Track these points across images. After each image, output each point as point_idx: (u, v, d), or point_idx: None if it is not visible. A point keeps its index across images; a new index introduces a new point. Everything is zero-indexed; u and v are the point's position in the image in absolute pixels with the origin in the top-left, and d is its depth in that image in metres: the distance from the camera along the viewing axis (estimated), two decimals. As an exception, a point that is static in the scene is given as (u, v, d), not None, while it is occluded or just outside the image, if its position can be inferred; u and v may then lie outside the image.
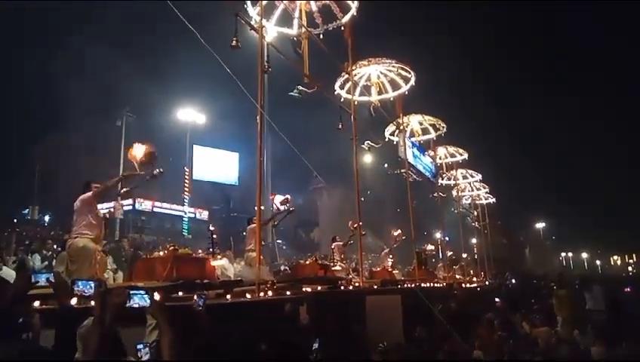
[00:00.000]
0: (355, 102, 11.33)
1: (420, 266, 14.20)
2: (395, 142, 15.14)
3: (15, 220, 27.43)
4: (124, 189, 5.95)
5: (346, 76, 11.80)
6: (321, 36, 10.11)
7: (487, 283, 22.85)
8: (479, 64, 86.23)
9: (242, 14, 7.38)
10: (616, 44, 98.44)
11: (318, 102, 11.82)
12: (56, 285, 3.55)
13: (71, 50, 30.60)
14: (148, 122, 31.58)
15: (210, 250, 8.04)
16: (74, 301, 3.15)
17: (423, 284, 12.04)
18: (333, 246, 12.11)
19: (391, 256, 15.08)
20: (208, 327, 3.41)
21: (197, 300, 3.40)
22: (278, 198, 9.25)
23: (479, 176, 23.37)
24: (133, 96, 30.79)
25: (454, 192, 21.98)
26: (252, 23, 7.79)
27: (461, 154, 20.01)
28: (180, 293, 4.64)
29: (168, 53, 42.20)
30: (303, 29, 9.75)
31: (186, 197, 38.71)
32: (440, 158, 19.52)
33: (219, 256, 8.47)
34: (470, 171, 22.75)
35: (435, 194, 17.84)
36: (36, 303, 3.46)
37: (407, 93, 13.57)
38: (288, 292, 6.28)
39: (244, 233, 10.23)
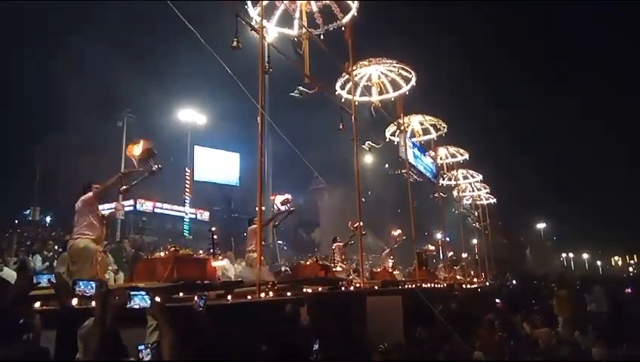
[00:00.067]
0: (356, 103, 11.33)
1: (420, 267, 14.20)
2: (395, 143, 15.14)
3: (16, 221, 27.42)
4: (124, 187, 5.95)
5: (347, 76, 11.80)
6: (322, 36, 10.12)
7: (487, 283, 22.82)
8: (479, 64, 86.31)
9: (243, 15, 7.39)
10: (616, 44, 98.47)
11: (319, 102, 11.84)
12: (58, 286, 3.55)
13: (71, 50, 30.63)
14: (148, 123, 31.61)
15: (211, 250, 8.06)
16: (75, 301, 3.15)
17: (423, 285, 12.04)
18: (333, 247, 12.11)
19: (391, 257, 15.08)
20: (209, 328, 3.41)
21: (197, 301, 3.41)
22: (279, 198, 9.24)
23: (480, 177, 23.37)
24: (134, 97, 30.82)
25: (455, 193, 21.97)
26: (252, 23, 7.80)
27: (462, 155, 20.01)
28: (181, 294, 4.65)
29: (169, 53, 42.24)
30: (304, 30, 9.76)
31: (186, 197, 38.71)
32: (441, 159, 19.51)
33: (220, 257, 8.48)
34: (471, 171, 22.75)
35: (436, 195, 17.84)
36: (37, 304, 3.47)
37: (407, 93, 13.57)
38: (289, 293, 6.28)
39: (245, 234, 10.25)
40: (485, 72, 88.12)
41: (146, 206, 36.61)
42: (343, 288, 8.50)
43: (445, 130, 16.96)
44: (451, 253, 20.72)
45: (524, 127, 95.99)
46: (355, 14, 10.22)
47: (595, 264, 74.84)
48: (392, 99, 13.77)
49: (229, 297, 5.16)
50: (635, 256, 74.63)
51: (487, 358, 5.63)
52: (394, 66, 13.22)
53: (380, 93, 13.47)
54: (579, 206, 74.42)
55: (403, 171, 14.54)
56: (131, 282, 6.17)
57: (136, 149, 5.51)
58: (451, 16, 78.60)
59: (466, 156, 19.98)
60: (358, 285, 9.34)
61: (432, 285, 13.25)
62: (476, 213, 25.10)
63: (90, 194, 5.50)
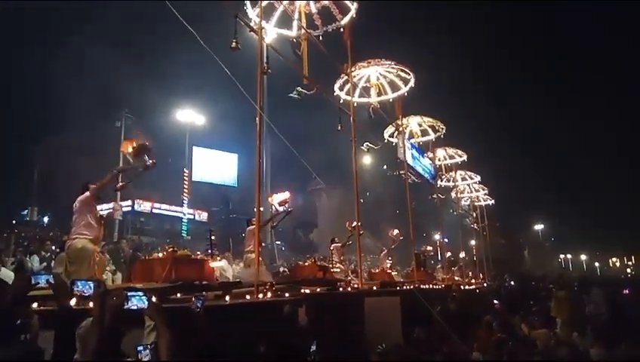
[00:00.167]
0: (355, 104, 11.34)
1: (418, 268, 14.21)
2: (394, 144, 15.14)
3: (14, 221, 27.42)
4: (120, 184, 5.94)
5: (346, 77, 11.81)
6: (321, 38, 10.12)
7: (485, 284, 22.84)
8: (479, 64, 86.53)
9: (242, 16, 7.39)
10: (616, 44, 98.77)
11: (318, 103, 11.84)
12: (56, 286, 3.55)
13: (71, 50, 30.63)
14: (147, 123, 31.58)
15: (209, 251, 8.05)
16: (73, 302, 3.15)
17: (421, 286, 12.04)
18: (332, 248, 12.11)
19: (389, 258, 15.08)
20: (206, 329, 3.41)
21: (195, 302, 3.40)
22: (277, 198, 9.22)
23: (478, 178, 23.38)
24: (133, 97, 30.82)
25: (453, 194, 21.98)
26: (251, 24, 7.80)
27: (460, 156, 20.02)
28: (179, 295, 4.64)
29: (168, 54, 42.22)
30: (303, 31, 9.76)
31: (185, 198, 38.72)
32: (439, 160, 19.52)
33: (218, 258, 8.48)
34: (469, 173, 22.77)
35: (434, 196, 17.84)
36: (35, 304, 3.46)
37: (406, 94, 13.58)
38: (287, 294, 6.28)
39: (243, 234, 10.25)
40: (485, 72, 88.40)
41: (144, 206, 36.59)
42: (341, 289, 8.50)
43: (444, 131, 16.97)
44: (449, 254, 20.74)
45: (524, 127, 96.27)
46: (354, 15, 10.23)
47: (593, 265, 74.99)
48: (391, 100, 13.77)
49: (227, 298, 5.15)
50: (633, 257, 74.76)
51: (485, 359, 5.64)
52: (393, 67, 13.23)
53: (379, 94, 13.48)
54: (578, 206, 74.70)
55: (401, 172, 14.53)
56: (129, 282, 6.17)
57: (130, 145, 5.51)
58: (451, 16, 78.83)
59: (465, 157, 19.99)
60: (356, 286, 9.34)
61: (430, 286, 13.25)
62: (474, 214, 25.12)
63: (87, 193, 5.50)
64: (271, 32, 9.75)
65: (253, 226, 7.75)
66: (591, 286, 11.47)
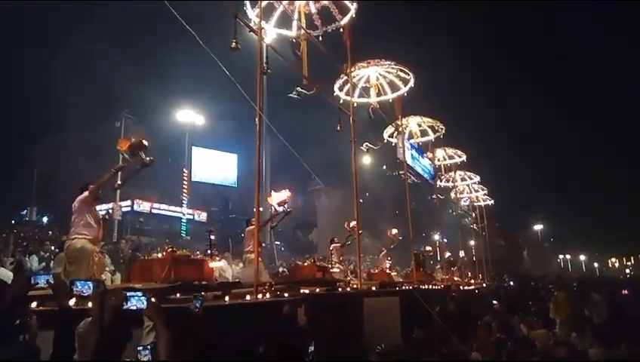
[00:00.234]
0: (354, 104, 11.33)
1: (418, 268, 14.21)
2: (393, 144, 15.15)
3: (13, 221, 27.38)
4: (119, 182, 5.93)
5: (345, 78, 11.81)
6: (320, 38, 10.12)
7: (485, 285, 22.85)
8: (479, 64, 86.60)
9: (241, 16, 7.39)
10: (616, 44, 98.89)
11: (317, 103, 11.83)
12: (56, 286, 3.54)
13: (71, 50, 30.60)
14: (147, 123, 31.60)
15: (209, 251, 8.04)
16: (72, 302, 3.15)
17: (421, 286, 12.04)
18: (331, 248, 12.11)
19: (389, 258, 15.09)
20: (205, 329, 3.41)
21: (194, 302, 3.40)
22: (275, 198, 9.20)
23: (478, 178, 23.40)
24: (133, 97, 30.86)
25: (453, 194, 21.99)
26: (251, 24, 7.80)
27: (460, 156, 20.04)
28: (178, 295, 4.64)
29: (168, 54, 42.16)
30: (302, 31, 9.76)
31: (184, 198, 38.72)
32: (438, 160, 19.53)
33: (217, 258, 8.47)
34: (469, 173, 22.79)
35: (434, 196, 17.85)
36: (33, 304, 3.46)
37: (406, 94, 13.59)
38: (286, 294, 6.28)
39: (243, 234, 10.24)
40: (485, 72, 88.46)
41: (143, 206, 36.59)
42: (340, 289, 8.50)
43: (443, 131, 16.99)
44: (449, 254, 20.74)
45: (523, 127, 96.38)
46: (354, 15, 10.23)
47: (592, 265, 75.04)
48: (390, 100, 13.78)
49: (227, 298, 5.15)
50: (632, 257, 74.84)
51: (484, 359, 5.64)
52: (392, 68, 13.23)
53: (378, 94, 13.48)
54: (578, 207, 74.80)
55: (401, 172, 14.53)
56: (128, 283, 6.16)
57: (126, 144, 5.51)
58: (451, 16, 78.89)
59: (464, 158, 20.01)
60: (355, 286, 9.33)
61: (430, 286, 13.25)
62: (474, 215, 25.14)
63: (86, 193, 5.50)
64: (270, 33, 9.75)
65: (253, 226, 7.75)
66: (590, 289, 11.39)
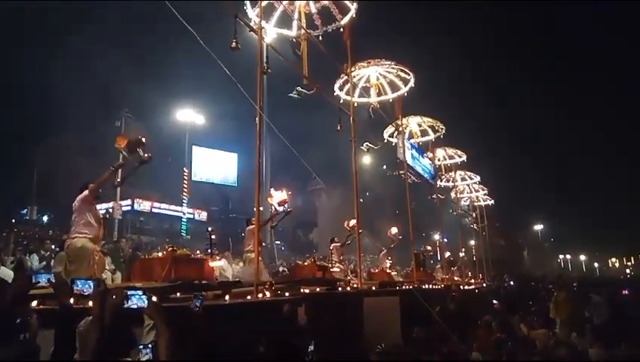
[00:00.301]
0: (355, 104, 11.33)
1: (418, 268, 14.21)
2: (393, 144, 15.15)
3: (13, 220, 27.41)
4: (118, 180, 5.94)
5: (345, 78, 11.81)
6: (321, 38, 10.12)
7: (485, 284, 22.85)
8: (479, 64, 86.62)
9: (242, 16, 7.39)
10: (616, 44, 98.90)
11: (318, 103, 11.84)
12: (57, 285, 3.55)
13: (71, 50, 30.60)
14: (147, 123, 31.59)
15: (209, 250, 8.05)
16: (73, 301, 3.15)
17: (421, 286, 12.04)
18: (331, 248, 12.12)
19: (389, 258, 15.09)
20: (206, 328, 3.41)
21: (194, 301, 3.41)
22: (276, 198, 9.21)
23: (478, 178, 23.40)
24: (133, 97, 30.85)
25: (453, 194, 21.99)
26: (251, 24, 7.80)
27: (460, 156, 20.04)
28: (178, 294, 4.64)
29: (168, 53, 42.19)
30: (302, 31, 9.76)
31: (184, 197, 38.73)
32: (439, 160, 19.54)
33: (217, 257, 8.48)
34: (469, 173, 22.78)
35: (434, 196, 17.85)
36: (34, 303, 3.47)
37: (406, 94, 13.59)
38: (286, 294, 6.28)
39: (243, 234, 10.25)
40: (485, 72, 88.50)
41: (143, 206, 36.62)
42: (340, 289, 8.50)
43: (443, 131, 16.98)
44: (449, 254, 20.74)
45: (524, 127, 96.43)
46: (354, 15, 10.23)
47: (592, 265, 75.05)
48: (391, 100, 13.78)
49: (227, 297, 5.15)
50: (632, 257, 74.84)
51: (484, 359, 5.64)
52: (392, 68, 13.23)
53: (379, 94, 13.48)
54: (578, 206, 74.88)
55: (401, 172, 14.53)
56: (129, 282, 6.17)
57: (123, 140, 5.52)
58: (451, 16, 78.89)
59: (464, 158, 20.01)
60: (355, 286, 9.34)
61: (430, 286, 13.25)
62: (474, 215, 25.14)
63: (86, 192, 5.51)
64: (271, 32, 9.75)
65: (253, 226, 7.75)
66: (590, 290, 11.37)
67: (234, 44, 6.79)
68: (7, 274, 7.81)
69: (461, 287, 16.65)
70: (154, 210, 37.53)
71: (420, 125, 16.91)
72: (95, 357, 2.20)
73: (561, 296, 9.29)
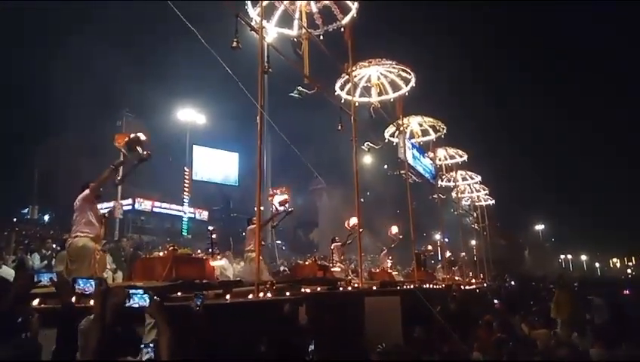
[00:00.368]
0: (356, 103, 11.33)
1: (419, 267, 14.20)
2: (394, 144, 15.15)
3: (15, 219, 27.43)
4: (119, 178, 5.95)
5: (346, 77, 11.81)
6: (321, 37, 10.12)
7: (486, 284, 22.85)
8: (479, 64, 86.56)
9: (243, 15, 7.39)
10: (616, 44, 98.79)
11: (318, 103, 11.84)
12: (59, 284, 3.56)
13: (71, 50, 30.62)
14: (148, 122, 31.58)
15: (210, 250, 8.06)
16: (75, 299, 3.16)
17: (422, 285, 12.04)
18: (332, 247, 12.11)
19: (390, 257, 15.09)
20: (206, 327, 3.41)
21: (195, 300, 3.41)
22: (277, 199, 9.24)
23: (479, 178, 23.39)
24: (134, 97, 30.88)
25: (454, 194, 21.98)
26: (252, 23, 7.80)
27: (461, 156, 20.03)
28: (179, 293, 4.65)
29: (168, 53, 42.23)
30: (303, 30, 9.76)
31: (185, 197, 38.74)
32: (440, 160, 19.53)
33: (218, 257, 8.49)
34: (470, 173, 22.77)
35: (435, 196, 17.85)
36: (35, 302, 3.47)
37: (407, 94, 13.58)
38: (287, 293, 6.28)
39: (244, 233, 10.25)
40: (485, 72, 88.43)
41: (144, 205, 36.64)
42: (341, 288, 8.50)
43: (444, 131, 16.97)
44: (449, 254, 20.73)
45: (524, 127, 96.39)
46: (355, 15, 10.23)
47: (593, 265, 74.96)
48: (392, 100, 13.77)
49: (228, 297, 5.15)
50: (633, 257, 74.75)
51: (485, 359, 5.64)
52: (393, 67, 13.22)
53: (380, 94, 13.48)
54: (578, 206, 74.79)
55: (402, 172, 14.53)
56: (130, 281, 6.17)
57: (123, 138, 5.53)
58: (451, 16, 78.84)
59: (465, 157, 19.99)
60: (356, 285, 9.34)
61: (431, 286, 13.25)
62: (475, 214, 25.12)
63: (87, 191, 5.51)
64: (272, 32, 9.74)
65: (254, 225, 7.75)
66: (590, 291, 11.33)
67: (235, 43, 6.80)
68: (9, 273, 7.80)
69: (462, 287, 16.64)
70: (155, 210, 37.55)
71: (420, 125, 16.91)
72: (96, 356, 2.20)
73: (562, 296, 9.28)
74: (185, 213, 38.57)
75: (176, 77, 41.71)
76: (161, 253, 7.46)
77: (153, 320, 3.01)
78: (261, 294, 5.61)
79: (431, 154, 17.97)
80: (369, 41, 16.70)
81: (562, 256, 72.46)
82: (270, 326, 5.03)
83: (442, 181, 20.49)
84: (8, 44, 30.69)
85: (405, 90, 13.51)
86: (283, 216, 9.52)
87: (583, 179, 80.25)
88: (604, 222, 69.47)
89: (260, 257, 6.56)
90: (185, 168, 39.08)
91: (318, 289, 7.58)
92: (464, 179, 22.83)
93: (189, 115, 37.37)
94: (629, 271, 70.39)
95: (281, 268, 14.81)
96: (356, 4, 10.18)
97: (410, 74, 13.28)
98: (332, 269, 10.22)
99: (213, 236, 8.23)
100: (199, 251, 11.07)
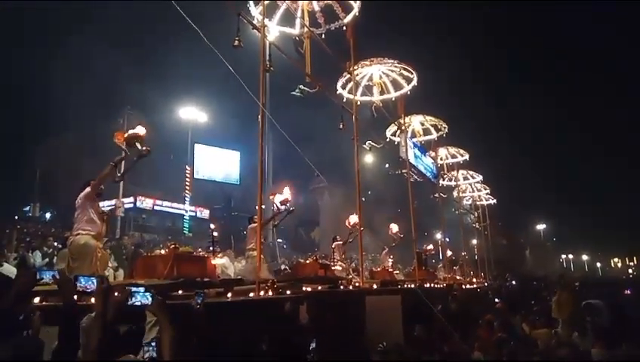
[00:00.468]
0: (357, 102, 11.32)
1: (420, 266, 14.20)
2: (396, 143, 15.14)
3: (16, 217, 27.46)
4: (119, 175, 5.97)
5: (348, 76, 11.79)
6: (323, 36, 10.11)
7: (487, 284, 22.84)
8: (479, 64, 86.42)
9: (245, 14, 7.39)
10: (616, 44, 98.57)
11: (320, 101, 11.83)
12: (61, 282, 3.56)
13: (71, 50, 30.59)
14: (149, 121, 31.51)
15: (211, 248, 8.06)
16: (77, 297, 3.16)
17: (423, 285, 12.03)
18: (333, 246, 12.11)
19: (391, 256, 15.09)
20: (207, 326, 3.42)
21: (195, 298, 3.42)
22: (278, 198, 9.21)
23: (480, 178, 23.37)
24: (135, 95, 30.81)
25: (455, 193, 21.96)
26: (254, 22, 7.80)
27: (462, 155, 20.01)
28: (180, 292, 4.65)
29: (170, 52, 42.16)
30: (305, 29, 9.75)
31: (187, 195, 38.74)
32: (441, 159, 19.51)
33: (219, 255, 8.50)
34: (471, 172, 22.75)
35: (436, 195, 17.84)
36: (36, 300, 3.48)
37: (409, 93, 13.56)
38: (288, 292, 6.28)
39: (245, 232, 10.27)
40: (485, 72, 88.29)
41: (145, 203, 36.67)
42: (342, 287, 8.50)
43: (446, 130, 16.96)
44: (450, 253, 20.72)
45: (524, 127, 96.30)
46: (357, 14, 10.21)
47: (594, 265, 74.90)
48: (393, 99, 13.76)
49: (229, 295, 5.16)
50: (634, 257, 74.68)
51: (486, 358, 5.64)
52: (395, 66, 13.20)
53: (381, 92, 13.47)
54: (579, 206, 74.65)
55: (403, 171, 14.53)
56: (131, 279, 6.19)
57: (122, 135, 5.54)
58: (451, 16, 78.71)
59: (467, 157, 19.98)
60: (357, 284, 9.34)
61: (432, 285, 13.25)
62: (476, 214, 25.10)
63: (88, 189, 5.53)
64: (273, 30, 9.73)
65: (255, 224, 7.75)
66: (589, 294, 11.27)
67: (237, 42, 6.80)
68: (10, 270, 7.83)
69: (463, 286, 16.63)
70: (156, 208, 37.57)
71: (422, 124, 16.90)
72: (98, 353, 2.21)
73: (563, 296, 9.27)
74: (186, 212, 38.58)
75: (178, 76, 41.69)
76: (162, 251, 7.45)
77: (154, 319, 3.02)
78: (262, 293, 5.61)
79: (432, 154, 17.96)
80: (370, 41, 16.69)
81: (563, 256, 72.40)
82: (271, 325, 5.03)
83: (443, 180, 20.48)
84: (8, 44, 30.71)
85: (407, 88, 13.50)
86: (285, 215, 9.51)
87: (583, 179, 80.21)
88: (604, 222, 69.50)
89: (261, 256, 6.57)
90: (186, 166, 39.06)
91: (319, 288, 7.58)
92: (465, 178, 22.82)
93: (191, 113, 37.37)
94: (630, 271, 70.34)
95: (282, 267, 14.83)
96: (358, 3, 10.17)
97: (412, 73, 13.26)
98: (333, 268, 10.22)
99: (215, 234, 8.23)
100: (200, 249, 11.08)
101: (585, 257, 73.85)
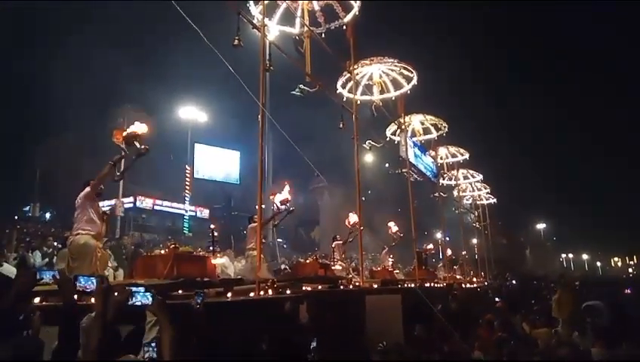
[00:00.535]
0: (357, 102, 11.31)
1: (420, 266, 14.20)
2: (396, 142, 15.14)
3: (16, 217, 27.47)
4: (118, 173, 5.96)
5: (348, 75, 11.79)
6: (323, 35, 10.11)
7: (487, 283, 22.83)
8: (479, 64, 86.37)
9: (244, 13, 7.38)
10: (616, 44, 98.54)
11: (320, 101, 11.83)
12: (62, 282, 3.56)
13: (71, 50, 30.56)
14: (149, 120, 31.50)
15: (211, 248, 8.06)
16: (77, 297, 3.16)
17: (423, 284, 12.03)
18: (333, 246, 12.11)
19: (391, 256, 15.08)
20: (207, 325, 3.42)
21: (195, 298, 3.41)
22: (278, 198, 9.21)
23: (480, 177, 23.37)
24: (135, 94, 30.78)
25: (455, 192, 21.96)
26: (254, 21, 7.80)
27: (462, 155, 20.01)
28: (180, 291, 4.65)
29: (170, 52, 42.13)
30: (305, 28, 9.75)
31: (186, 195, 38.75)
32: (441, 158, 19.51)
33: (219, 255, 8.49)
34: (471, 171, 22.75)
35: (436, 194, 17.83)
36: (37, 300, 3.48)
37: (409, 92, 13.56)
38: (288, 291, 6.28)
39: (245, 232, 10.27)
40: (485, 72, 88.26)
41: (145, 203, 36.67)
42: (342, 286, 8.50)
43: (446, 129, 16.95)
44: (450, 253, 20.71)
45: (524, 127, 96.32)
46: (357, 13, 10.21)
47: (594, 265, 74.94)
48: (393, 98, 13.75)
49: (229, 295, 5.16)
50: (634, 256, 74.70)
51: (486, 358, 5.64)
52: (395, 65, 13.20)
53: (381, 92, 13.46)
54: (579, 206, 74.66)
55: (403, 170, 14.53)
56: (131, 279, 6.18)
57: (120, 134, 5.53)
58: (451, 16, 78.67)
59: (467, 156, 19.98)
60: (357, 284, 9.34)
61: (432, 284, 13.25)
62: (476, 213, 25.10)
63: (87, 189, 5.53)
64: (273, 30, 9.73)
65: (255, 224, 7.75)
66: (588, 295, 11.27)
67: (236, 41, 6.79)
68: (10, 270, 7.82)
69: (463, 286, 16.63)
70: (156, 208, 37.57)
71: (422, 123, 16.90)
72: (98, 353, 2.21)
73: (563, 295, 9.27)
74: (186, 211, 38.59)
75: (178, 76, 41.64)
76: (162, 251, 7.44)
77: (154, 319, 3.02)
78: (262, 292, 5.61)
79: (432, 153, 17.95)
80: (370, 40, 16.68)
81: (563, 255, 72.44)
82: (271, 325, 5.03)
83: (444, 179, 20.47)
84: (8, 44, 30.70)
85: (407, 88, 13.49)
86: (285, 215, 9.50)
87: (583, 179, 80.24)
88: (604, 222, 69.55)
89: (261, 255, 6.56)
90: (186, 166, 39.08)
91: (319, 287, 7.58)
92: (465, 177, 22.82)
93: (191, 113, 37.37)
94: (630, 270, 70.36)
95: (282, 267, 14.82)
96: (358, 2, 10.16)
97: (412, 72, 13.26)
98: (333, 267, 10.22)
99: (214, 234, 8.23)
100: (200, 249, 11.07)
101: (585, 256, 73.89)
